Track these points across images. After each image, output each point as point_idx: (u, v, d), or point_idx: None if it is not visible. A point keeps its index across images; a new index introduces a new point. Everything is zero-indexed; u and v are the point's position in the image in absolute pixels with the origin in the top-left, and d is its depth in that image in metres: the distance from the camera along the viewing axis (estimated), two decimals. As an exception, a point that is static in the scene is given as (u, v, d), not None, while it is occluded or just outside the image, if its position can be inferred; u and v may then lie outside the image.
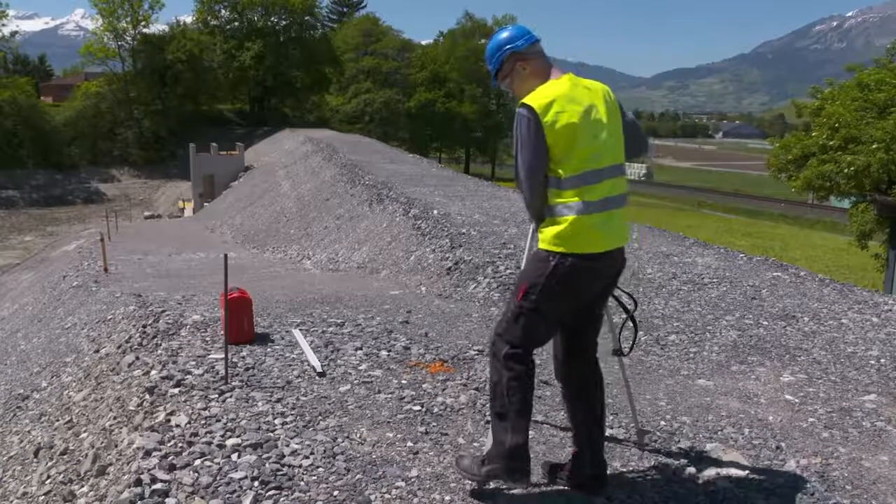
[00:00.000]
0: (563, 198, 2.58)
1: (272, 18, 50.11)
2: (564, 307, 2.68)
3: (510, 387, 2.60)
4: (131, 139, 45.85)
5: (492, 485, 2.89)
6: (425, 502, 2.78)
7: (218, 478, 2.92)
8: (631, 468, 3.11)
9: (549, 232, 2.61)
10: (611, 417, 3.66)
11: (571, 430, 2.89)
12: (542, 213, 2.68)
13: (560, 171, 2.57)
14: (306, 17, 50.86)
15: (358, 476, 2.95)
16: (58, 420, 4.60)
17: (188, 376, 4.01)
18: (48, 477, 3.82)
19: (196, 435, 3.28)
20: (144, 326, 5.24)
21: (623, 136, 2.75)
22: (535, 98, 2.58)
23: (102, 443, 3.68)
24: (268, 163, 29.38)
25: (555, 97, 2.56)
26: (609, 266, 2.69)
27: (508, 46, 2.74)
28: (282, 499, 2.78)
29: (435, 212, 10.18)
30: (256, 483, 2.87)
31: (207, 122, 47.48)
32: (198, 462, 3.05)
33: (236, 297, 4.60)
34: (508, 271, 6.93)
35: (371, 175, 15.35)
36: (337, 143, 24.86)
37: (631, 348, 3.08)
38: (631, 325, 3.15)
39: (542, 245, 2.64)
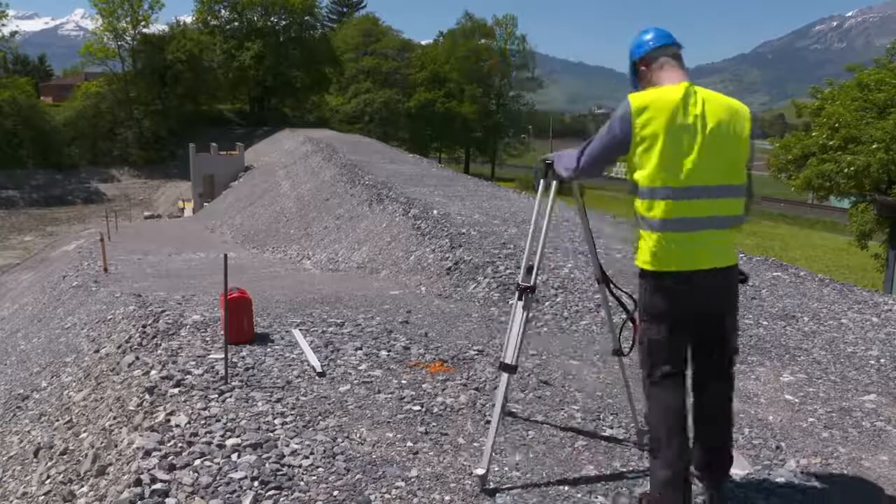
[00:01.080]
0: (643, 209, 2.54)
1: (272, 18, 50.14)
2: (665, 327, 2.60)
3: (651, 417, 2.61)
4: (131, 139, 45.85)
5: (491, 484, 2.89)
6: (425, 502, 2.78)
7: (218, 478, 2.92)
8: (631, 468, 3.11)
9: (641, 249, 2.61)
10: (611, 417, 3.68)
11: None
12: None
13: (639, 178, 2.53)
14: (306, 17, 50.88)
15: (358, 476, 2.95)
16: (58, 420, 4.60)
17: (188, 376, 4.01)
18: (48, 477, 3.82)
19: (196, 435, 3.28)
20: (144, 326, 5.24)
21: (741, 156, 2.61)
22: (639, 97, 2.55)
23: (102, 443, 3.67)
24: (268, 163, 29.38)
25: (654, 102, 2.51)
26: (703, 285, 2.57)
27: (637, 51, 2.78)
28: (282, 499, 2.78)
29: (435, 212, 10.18)
30: (256, 483, 2.87)
31: (207, 122, 47.48)
32: (198, 462, 3.05)
33: (236, 297, 4.60)
34: (508, 271, 6.92)
35: (371, 175, 15.35)
36: (337, 143, 24.86)
37: (631, 348, 3.07)
38: (631, 325, 3.14)
39: (637, 262, 2.65)
